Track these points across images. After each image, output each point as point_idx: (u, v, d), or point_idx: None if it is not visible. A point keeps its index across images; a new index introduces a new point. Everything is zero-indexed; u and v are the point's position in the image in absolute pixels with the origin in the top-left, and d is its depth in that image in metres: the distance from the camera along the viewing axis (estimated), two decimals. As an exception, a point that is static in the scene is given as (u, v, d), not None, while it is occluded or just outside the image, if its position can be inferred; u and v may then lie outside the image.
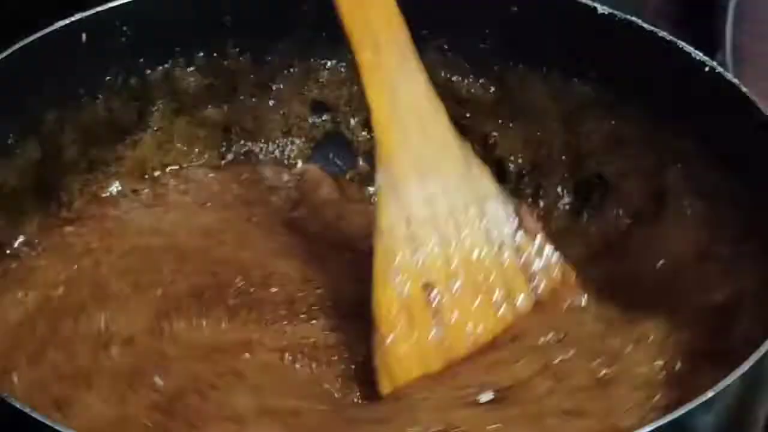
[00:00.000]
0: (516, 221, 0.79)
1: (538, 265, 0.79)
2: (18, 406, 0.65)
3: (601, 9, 0.88)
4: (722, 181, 0.85)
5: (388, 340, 0.76)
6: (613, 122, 0.91)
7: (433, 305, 0.77)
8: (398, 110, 0.78)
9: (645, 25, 0.87)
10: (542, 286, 0.79)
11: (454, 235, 0.78)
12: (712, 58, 0.85)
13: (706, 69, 0.84)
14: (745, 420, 0.72)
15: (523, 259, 0.79)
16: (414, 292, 0.77)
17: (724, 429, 0.69)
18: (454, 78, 0.95)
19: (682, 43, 0.85)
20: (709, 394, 0.66)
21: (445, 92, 0.95)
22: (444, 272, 0.77)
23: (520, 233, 0.79)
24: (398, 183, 0.77)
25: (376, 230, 0.77)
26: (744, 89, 0.82)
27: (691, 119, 0.86)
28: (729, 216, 0.84)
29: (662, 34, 0.86)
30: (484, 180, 0.79)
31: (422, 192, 0.78)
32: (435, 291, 0.77)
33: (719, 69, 0.83)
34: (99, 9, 0.87)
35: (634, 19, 0.87)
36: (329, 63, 0.95)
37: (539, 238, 0.79)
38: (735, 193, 0.84)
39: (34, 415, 0.64)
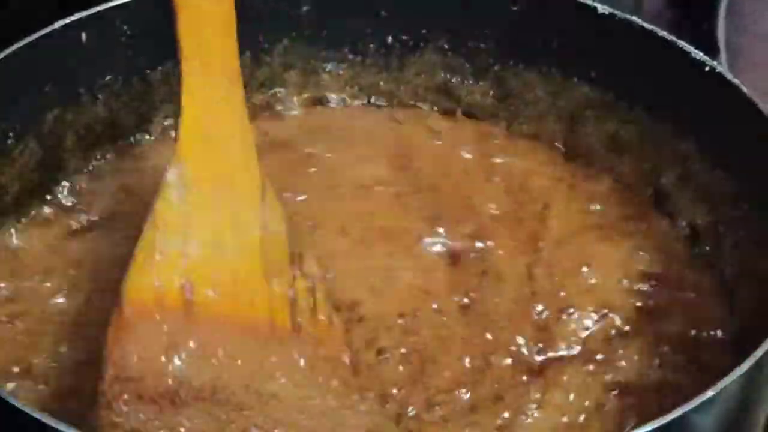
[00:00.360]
0: (297, 262, 0.79)
1: (306, 306, 0.79)
2: (18, 406, 0.65)
3: (602, 9, 0.88)
4: (722, 181, 0.85)
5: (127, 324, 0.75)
6: (613, 122, 0.91)
7: (188, 306, 0.76)
8: (207, 122, 0.79)
9: (645, 25, 0.87)
10: (307, 328, 0.78)
11: (230, 249, 0.77)
12: (712, 59, 0.85)
13: (707, 69, 0.84)
14: (746, 420, 0.72)
15: (293, 295, 0.78)
16: (169, 288, 0.76)
17: (724, 429, 0.69)
18: (453, 78, 0.95)
19: (682, 43, 0.85)
20: (709, 393, 0.66)
21: (446, 91, 0.96)
22: (207, 279, 0.77)
23: (298, 272, 0.79)
24: (187, 185, 0.78)
25: (150, 219, 0.77)
26: (744, 89, 0.82)
27: (691, 119, 0.86)
28: (729, 215, 0.84)
29: (662, 33, 0.86)
30: (275, 213, 0.80)
31: (209, 200, 0.78)
32: (192, 293, 0.76)
33: (719, 69, 0.84)
34: (99, 8, 0.87)
35: (634, 18, 0.87)
36: (329, 66, 0.95)
37: (316, 283, 0.79)
38: (735, 193, 0.84)
39: (35, 414, 0.64)
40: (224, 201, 0.78)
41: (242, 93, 0.81)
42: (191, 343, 0.74)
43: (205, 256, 0.77)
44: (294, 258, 0.79)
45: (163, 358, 0.74)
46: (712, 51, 1.10)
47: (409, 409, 0.76)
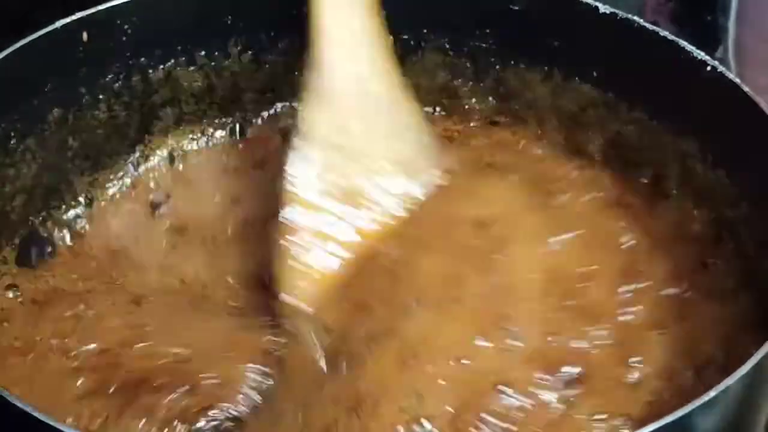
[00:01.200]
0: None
1: None
2: (18, 405, 0.65)
3: (603, 8, 0.88)
4: (723, 181, 0.85)
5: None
6: (614, 121, 0.91)
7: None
8: (345, 26, 0.82)
9: (647, 25, 0.87)
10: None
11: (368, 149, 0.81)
12: (712, 54, 0.85)
13: (708, 68, 0.84)
14: (746, 421, 0.72)
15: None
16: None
17: (725, 429, 0.69)
18: (454, 78, 0.95)
19: (683, 43, 0.85)
20: (711, 394, 0.66)
21: (446, 91, 0.96)
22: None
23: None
24: (333, 85, 0.81)
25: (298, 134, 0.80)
26: (746, 88, 0.82)
27: (692, 118, 0.86)
28: (729, 215, 0.84)
29: (664, 33, 0.86)
30: (412, 115, 0.83)
31: (353, 101, 0.82)
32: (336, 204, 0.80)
33: (721, 68, 0.83)
34: (100, 8, 0.87)
35: (635, 18, 0.87)
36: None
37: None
38: (736, 192, 0.84)
39: (35, 414, 0.64)
40: (367, 96, 0.82)
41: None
42: None
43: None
44: None
45: None
46: (714, 43, 1.10)
47: None
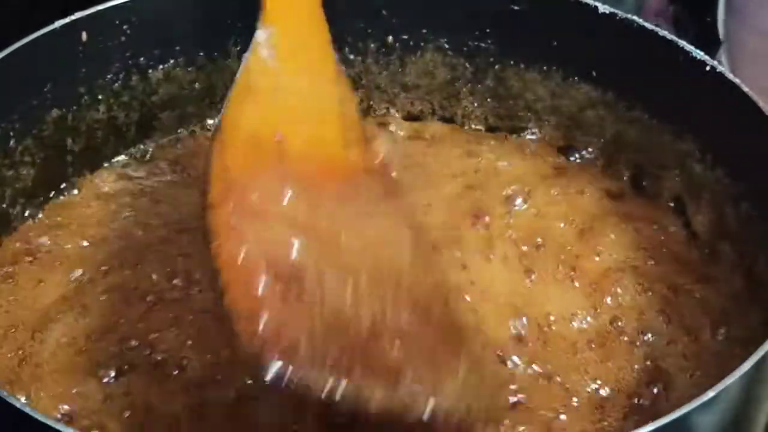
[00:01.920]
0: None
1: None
2: (18, 405, 0.65)
3: (602, 8, 0.88)
4: (723, 180, 0.85)
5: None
6: (614, 121, 0.91)
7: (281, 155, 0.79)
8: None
9: (646, 25, 0.87)
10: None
11: (314, 112, 0.81)
12: (713, 55, 0.85)
13: (707, 68, 0.84)
14: (746, 420, 0.72)
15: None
16: (263, 130, 0.79)
17: (725, 429, 0.69)
18: (453, 79, 0.95)
19: (682, 43, 0.85)
20: (710, 394, 0.66)
21: (446, 91, 0.96)
22: (297, 134, 0.79)
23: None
24: (275, 45, 0.81)
25: (244, 66, 0.80)
26: (745, 88, 0.82)
27: (691, 118, 0.86)
28: (729, 214, 0.84)
29: (663, 33, 0.86)
30: (348, 95, 0.83)
31: (293, 64, 0.82)
32: (283, 139, 0.79)
33: (720, 68, 0.83)
34: (100, 8, 0.87)
35: (635, 18, 0.87)
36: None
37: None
38: (736, 192, 0.84)
39: (35, 414, 0.64)
40: (307, 69, 0.82)
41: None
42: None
43: (293, 114, 0.80)
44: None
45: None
46: (715, 45, 1.10)
47: None
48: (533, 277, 0.84)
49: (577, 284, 0.84)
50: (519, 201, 0.89)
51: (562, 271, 0.84)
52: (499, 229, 0.87)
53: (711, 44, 1.03)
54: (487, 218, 0.87)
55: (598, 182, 0.91)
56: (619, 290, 0.83)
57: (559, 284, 0.84)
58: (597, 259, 0.85)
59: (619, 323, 0.82)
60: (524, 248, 0.86)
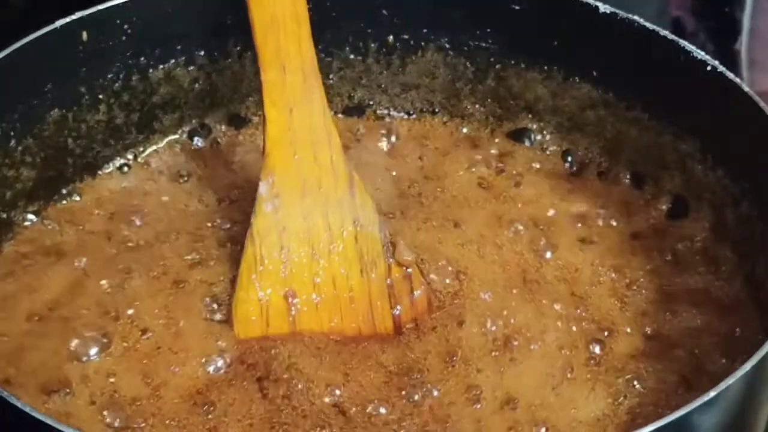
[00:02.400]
0: (390, 249, 0.82)
1: (404, 292, 0.82)
2: (18, 405, 0.65)
3: (603, 8, 0.88)
4: (723, 180, 0.85)
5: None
6: (614, 122, 0.91)
7: (293, 313, 0.80)
8: (292, 129, 0.81)
9: (647, 25, 0.87)
10: (404, 313, 0.81)
11: (324, 251, 0.81)
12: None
13: (708, 68, 0.84)
14: (746, 420, 0.72)
15: (390, 283, 0.82)
16: (275, 299, 0.80)
17: (725, 429, 0.69)
18: (454, 78, 0.95)
19: (683, 42, 0.85)
20: (711, 394, 0.66)
21: (446, 90, 0.96)
22: (308, 284, 0.80)
23: (392, 261, 0.82)
24: (279, 195, 0.81)
25: (249, 234, 0.80)
26: (746, 88, 0.82)
27: (692, 118, 0.86)
28: (730, 215, 0.84)
29: (664, 33, 0.86)
30: (366, 206, 0.82)
31: (300, 207, 0.81)
32: (296, 300, 0.80)
33: (721, 68, 0.83)
34: (100, 7, 0.87)
35: (635, 18, 0.87)
36: (329, 66, 0.95)
37: (411, 269, 0.82)
38: (736, 192, 0.84)
39: (35, 414, 0.64)
40: (315, 204, 0.81)
41: (321, 87, 0.82)
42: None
43: (304, 262, 0.81)
44: (387, 247, 0.82)
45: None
46: (735, 35, 1.10)
47: None
48: None
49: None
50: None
51: None
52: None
53: (731, 35, 1.03)
54: None
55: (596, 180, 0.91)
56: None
57: None
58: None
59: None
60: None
